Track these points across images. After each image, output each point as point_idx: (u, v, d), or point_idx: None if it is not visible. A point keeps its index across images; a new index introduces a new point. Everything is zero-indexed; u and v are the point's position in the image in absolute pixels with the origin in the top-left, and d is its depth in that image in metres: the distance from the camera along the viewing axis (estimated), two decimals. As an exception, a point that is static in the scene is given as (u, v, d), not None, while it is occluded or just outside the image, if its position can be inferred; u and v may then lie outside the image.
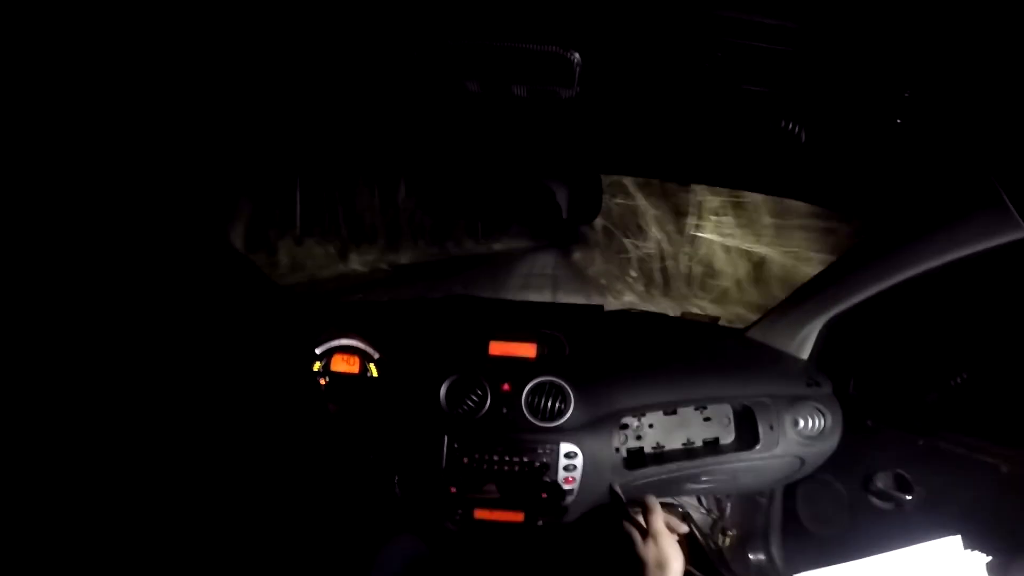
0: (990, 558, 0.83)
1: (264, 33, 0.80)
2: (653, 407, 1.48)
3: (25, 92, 0.86)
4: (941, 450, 1.24)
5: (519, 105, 0.98)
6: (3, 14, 0.72)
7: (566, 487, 1.39)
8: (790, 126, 0.95)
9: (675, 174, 1.41)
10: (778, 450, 1.45)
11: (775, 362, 1.56)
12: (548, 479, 1.38)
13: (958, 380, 1.25)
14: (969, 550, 0.84)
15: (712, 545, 1.70)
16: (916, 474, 1.28)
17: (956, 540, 0.85)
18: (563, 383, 1.42)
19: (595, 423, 1.43)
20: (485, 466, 1.39)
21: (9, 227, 0.99)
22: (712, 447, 1.51)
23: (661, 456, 1.48)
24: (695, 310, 1.86)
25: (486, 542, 1.46)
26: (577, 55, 0.79)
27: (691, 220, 7.79)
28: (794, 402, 1.47)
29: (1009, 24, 0.63)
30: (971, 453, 1.18)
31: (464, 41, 0.78)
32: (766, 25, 0.69)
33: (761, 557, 1.69)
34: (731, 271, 6.83)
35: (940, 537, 0.85)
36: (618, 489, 1.17)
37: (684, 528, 1.05)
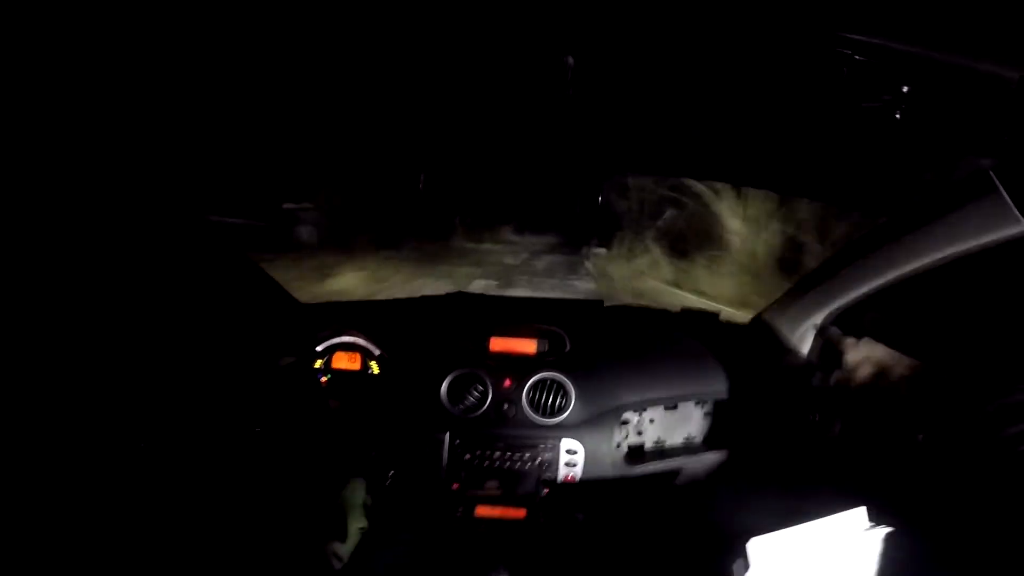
0: (890, 529, 0.89)
1: (262, 39, 0.80)
2: (654, 402, 1.49)
3: (32, 100, 0.86)
4: None
5: (522, 102, 0.98)
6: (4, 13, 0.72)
7: (568, 483, 1.40)
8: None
9: (679, 170, 1.41)
10: None
11: (775, 357, 1.57)
12: (550, 475, 1.39)
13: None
14: (872, 522, 0.90)
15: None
16: None
17: (861, 512, 0.91)
18: (564, 379, 1.43)
19: (596, 419, 1.43)
20: (487, 463, 1.39)
21: (18, 231, 0.99)
22: (712, 442, 1.51)
23: (662, 452, 1.49)
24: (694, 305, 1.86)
25: (487, 538, 1.47)
26: (571, 58, 0.80)
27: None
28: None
29: (1007, 20, 0.63)
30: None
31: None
32: (764, 24, 0.69)
33: None
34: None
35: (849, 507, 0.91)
36: None
37: None
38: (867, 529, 0.91)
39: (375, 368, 1.49)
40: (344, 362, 1.50)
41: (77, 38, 0.78)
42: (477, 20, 0.75)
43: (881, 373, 1.12)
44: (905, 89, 0.77)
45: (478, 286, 6.17)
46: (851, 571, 0.89)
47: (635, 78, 0.91)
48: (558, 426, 1.41)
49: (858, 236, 1.29)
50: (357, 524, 1.07)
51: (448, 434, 1.41)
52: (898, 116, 0.82)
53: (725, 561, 0.94)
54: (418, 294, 1.76)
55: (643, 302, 1.70)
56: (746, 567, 0.86)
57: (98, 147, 1.05)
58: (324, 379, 1.49)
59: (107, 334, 1.21)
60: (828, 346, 1.28)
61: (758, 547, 0.87)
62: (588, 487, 1.41)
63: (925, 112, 0.82)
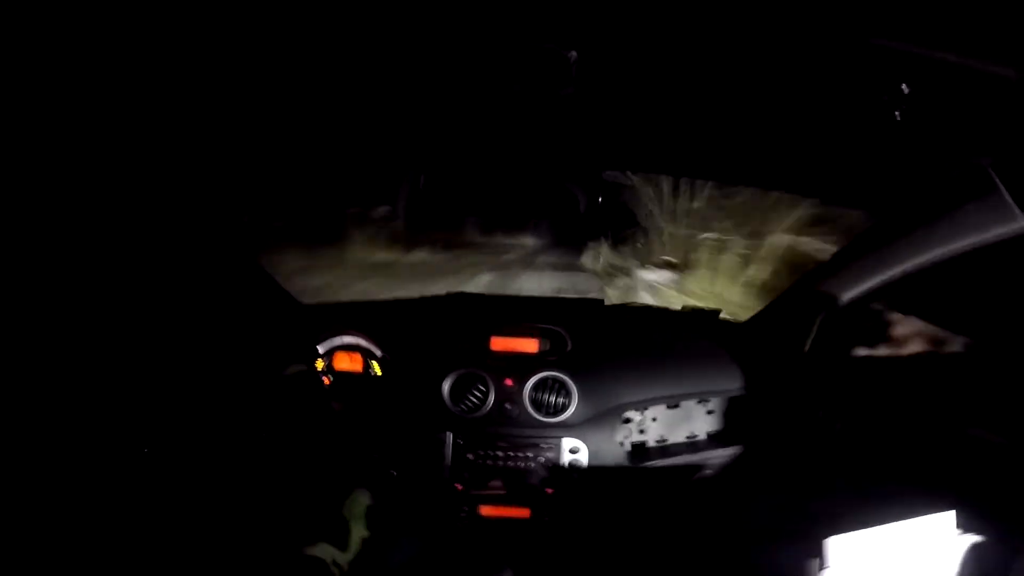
0: (981, 538, 0.87)
1: (266, 35, 0.80)
2: (656, 401, 1.49)
3: (37, 101, 0.86)
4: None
5: (525, 101, 0.98)
6: (6, 14, 0.72)
7: (571, 482, 1.40)
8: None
9: (680, 170, 1.41)
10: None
11: (777, 355, 1.57)
12: (553, 474, 1.40)
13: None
14: (961, 528, 0.89)
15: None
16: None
17: (951, 516, 0.90)
18: (566, 378, 1.43)
19: (598, 417, 1.44)
20: (490, 462, 1.40)
21: (24, 232, 0.99)
22: (716, 440, 1.52)
23: (665, 450, 1.49)
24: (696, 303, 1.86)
25: (492, 538, 1.47)
26: (574, 53, 0.80)
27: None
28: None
29: (1007, 20, 0.64)
30: None
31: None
32: (765, 24, 0.69)
33: None
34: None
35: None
36: None
37: None
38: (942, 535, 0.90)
39: (377, 369, 1.49)
40: (346, 363, 1.50)
41: (75, 39, 0.78)
42: (476, 13, 0.75)
43: (930, 347, 1.10)
44: (905, 89, 0.77)
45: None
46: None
47: (636, 74, 0.91)
48: (560, 425, 1.42)
49: (858, 235, 1.30)
50: (359, 533, 1.08)
51: (450, 434, 1.41)
52: (898, 116, 0.82)
53: (729, 559, 0.95)
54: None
55: (645, 301, 1.71)
56: (820, 567, 0.86)
57: (95, 147, 1.05)
58: (326, 380, 1.49)
59: (108, 336, 1.21)
60: (850, 333, 1.26)
61: (833, 547, 0.87)
62: (592, 486, 1.42)
63: (925, 112, 0.82)
